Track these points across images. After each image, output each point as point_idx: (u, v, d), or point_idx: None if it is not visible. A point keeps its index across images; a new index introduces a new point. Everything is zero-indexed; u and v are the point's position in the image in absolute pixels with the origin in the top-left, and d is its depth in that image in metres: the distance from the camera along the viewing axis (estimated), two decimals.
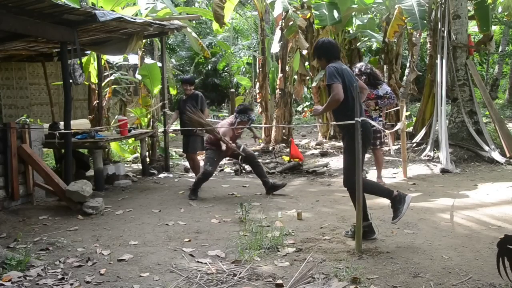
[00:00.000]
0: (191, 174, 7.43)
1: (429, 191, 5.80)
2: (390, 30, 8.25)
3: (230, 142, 5.84)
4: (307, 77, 10.40)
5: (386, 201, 5.27)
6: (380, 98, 6.11)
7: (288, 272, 3.16)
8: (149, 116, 8.60)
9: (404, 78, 10.95)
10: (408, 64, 10.42)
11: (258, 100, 10.18)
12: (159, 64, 8.45)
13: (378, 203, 5.19)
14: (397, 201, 3.81)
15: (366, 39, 10.93)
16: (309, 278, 2.99)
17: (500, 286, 2.86)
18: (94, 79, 8.17)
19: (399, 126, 7.18)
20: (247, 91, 16.13)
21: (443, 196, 5.45)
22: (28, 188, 5.35)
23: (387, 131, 7.02)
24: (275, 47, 9.94)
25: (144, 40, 7.85)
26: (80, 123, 8.75)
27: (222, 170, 7.87)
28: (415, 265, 3.23)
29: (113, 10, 6.53)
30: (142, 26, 6.27)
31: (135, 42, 6.54)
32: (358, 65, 6.43)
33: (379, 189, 4.05)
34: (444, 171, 6.90)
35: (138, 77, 8.86)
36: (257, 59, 11.48)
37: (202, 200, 5.68)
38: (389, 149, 8.24)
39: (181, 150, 9.83)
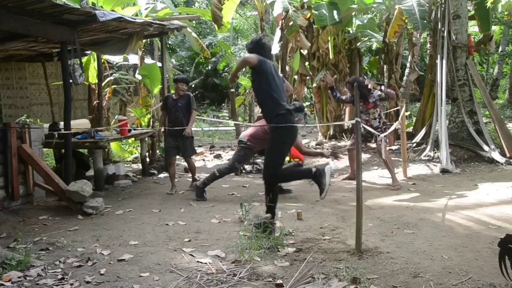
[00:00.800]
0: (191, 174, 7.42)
1: (429, 191, 5.80)
2: (390, 30, 8.24)
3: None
4: (307, 77, 10.40)
5: (386, 201, 5.30)
6: (377, 101, 6.19)
7: (288, 272, 3.16)
8: (149, 116, 8.60)
9: (404, 78, 10.95)
10: (408, 64, 10.41)
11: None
12: (159, 64, 8.45)
13: (378, 203, 5.20)
14: (318, 176, 3.83)
15: (366, 39, 10.92)
16: (309, 278, 2.99)
17: (500, 286, 2.86)
18: (94, 79, 8.17)
19: (394, 126, 7.19)
20: (247, 91, 16.11)
21: (443, 196, 5.45)
22: (28, 188, 5.35)
23: (381, 135, 7.02)
24: (275, 47, 9.92)
25: (144, 40, 7.84)
26: (80, 123, 8.74)
27: None
28: (415, 265, 3.23)
29: (113, 10, 6.53)
30: (142, 26, 6.27)
31: (135, 42, 6.54)
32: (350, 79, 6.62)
33: (298, 173, 4.16)
34: (444, 171, 6.89)
35: (138, 77, 8.86)
36: None
37: (202, 200, 5.67)
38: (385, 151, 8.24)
39: None
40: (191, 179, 6.61)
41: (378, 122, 6.28)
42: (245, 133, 5.87)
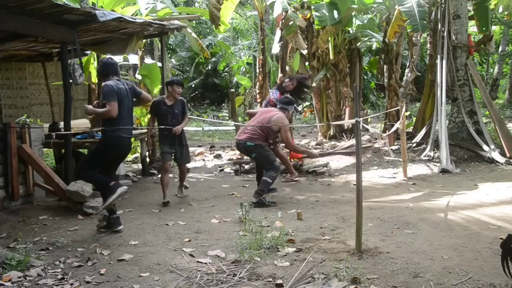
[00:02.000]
0: (191, 174, 7.43)
1: (429, 191, 5.80)
2: (390, 30, 8.24)
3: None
4: None
5: (386, 201, 5.30)
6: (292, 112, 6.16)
7: (288, 272, 3.16)
8: (149, 116, 8.59)
9: (404, 78, 10.96)
10: (408, 64, 10.42)
11: (258, 100, 10.18)
12: (159, 64, 8.45)
13: (378, 203, 5.20)
14: (110, 191, 4.22)
15: (366, 39, 10.93)
16: (309, 278, 3.00)
17: (500, 286, 2.86)
18: (94, 79, 8.16)
19: (395, 127, 7.19)
20: (247, 91, 16.15)
21: (443, 196, 5.45)
22: (28, 188, 5.34)
23: (384, 134, 7.05)
24: (275, 48, 9.93)
25: (144, 40, 7.84)
26: (80, 123, 8.74)
27: (222, 170, 7.86)
28: (415, 265, 3.23)
29: (113, 10, 6.53)
30: (142, 26, 6.27)
31: (135, 42, 6.54)
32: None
33: (98, 181, 4.41)
34: (444, 171, 6.89)
35: (138, 77, 8.86)
36: (257, 59, 11.48)
37: (202, 200, 5.67)
38: (387, 150, 8.24)
39: None
40: (191, 179, 6.58)
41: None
42: (244, 138, 5.48)
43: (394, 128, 7.28)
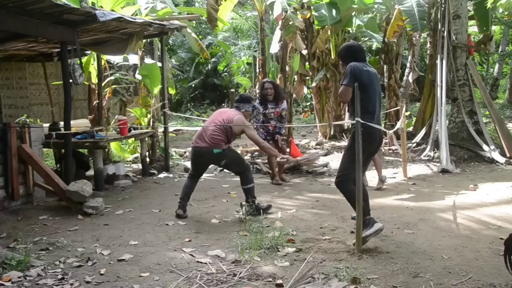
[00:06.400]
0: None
1: (429, 191, 5.80)
2: (389, 30, 8.25)
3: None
4: (307, 77, 10.40)
5: (386, 201, 5.30)
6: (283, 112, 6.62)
7: (288, 272, 3.16)
8: (149, 116, 8.60)
9: (404, 78, 10.96)
10: (408, 64, 10.42)
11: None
12: (159, 64, 8.44)
13: (378, 203, 5.20)
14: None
15: (366, 39, 10.93)
16: (309, 278, 2.99)
17: (500, 286, 2.86)
18: (94, 79, 8.16)
19: (398, 126, 7.19)
20: (247, 91, 16.13)
21: (443, 196, 5.45)
22: (28, 188, 5.34)
23: (389, 131, 7.06)
24: (275, 47, 9.92)
25: (144, 40, 7.84)
26: (80, 123, 8.73)
27: (222, 170, 7.85)
28: (415, 265, 3.23)
29: (113, 10, 6.53)
30: (142, 26, 6.27)
31: (135, 42, 6.53)
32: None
33: None
34: (444, 171, 6.90)
35: (138, 77, 8.85)
36: (257, 59, 11.48)
37: (202, 200, 5.67)
38: (395, 149, 8.26)
39: (182, 150, 9.87)
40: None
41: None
42: (206, 145, 4.72)
43: (395, 128, 7.28)
